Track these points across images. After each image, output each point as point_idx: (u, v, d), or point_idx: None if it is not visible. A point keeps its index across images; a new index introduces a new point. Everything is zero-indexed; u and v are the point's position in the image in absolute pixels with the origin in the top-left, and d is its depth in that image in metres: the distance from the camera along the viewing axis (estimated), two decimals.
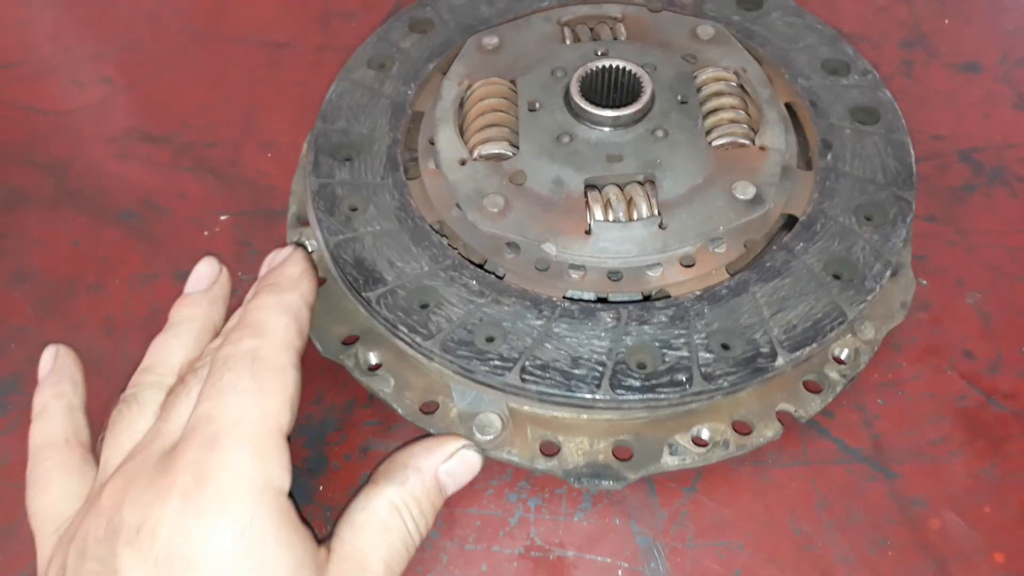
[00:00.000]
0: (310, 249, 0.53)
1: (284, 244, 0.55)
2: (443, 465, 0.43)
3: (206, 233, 0.59)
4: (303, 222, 0.54)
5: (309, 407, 0.51)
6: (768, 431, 0.47)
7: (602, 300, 0.48)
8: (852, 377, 0.49)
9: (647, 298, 0.48)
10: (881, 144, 0.52)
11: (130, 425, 0.40)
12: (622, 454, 0.47)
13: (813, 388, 0.49)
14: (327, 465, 0.49)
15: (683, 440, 0.47)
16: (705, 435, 0.47)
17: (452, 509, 0.48)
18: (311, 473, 0.49)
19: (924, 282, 0.56)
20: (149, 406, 0.41)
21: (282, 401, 0.39)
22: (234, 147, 0.63)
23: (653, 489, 0.48)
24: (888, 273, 0.47)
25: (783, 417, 0.48)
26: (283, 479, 0.38)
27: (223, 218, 0.59)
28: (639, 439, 0.47)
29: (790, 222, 0.50)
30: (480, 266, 0.49)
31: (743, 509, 0.48)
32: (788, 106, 0.55)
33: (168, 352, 0.44)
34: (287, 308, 0.42)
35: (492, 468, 0.49)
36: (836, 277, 0.47)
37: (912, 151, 0.52)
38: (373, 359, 0.49)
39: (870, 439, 0.50)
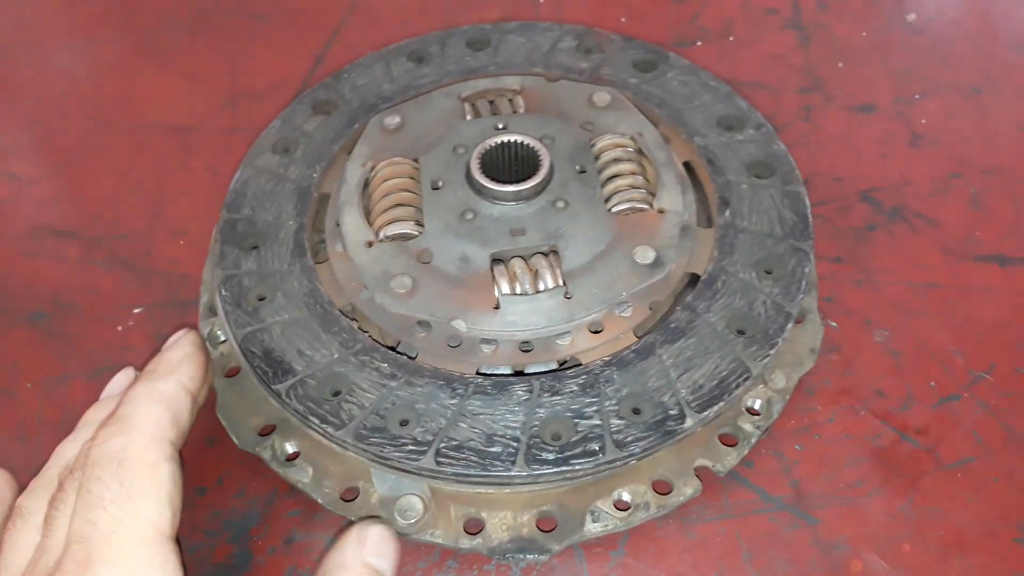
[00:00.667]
0: (222, 339, 0.53)
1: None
2: (365, 551, 0.42)
3: (119, 328, 0.58)
4: (215, 312, 0.54)
5: (231, 500, 0.51)
6: (688, 489, 0.48)
7: (519, 373, 0.48)
8: (766, 427, 0.50)
9: (561, 365, 0.48)
10: (777, 196, 0.54)
11: (17, 542, 0.39)
12: (546, 525, 0.47)
13: (729, 442, 0.49)
14: (251, 560, 0.49)
15: (605, 506, 0.47)
16: (626, 498, 0.47)
17: None
18: (236, 569, 0.48)
19: (834, 324, 0.57)
20: (33, 517, 0.40)
21: (155, 503, 0.37)
22: (145, 237, 0.63)
23: (582, 556, 0.49)
24: (790, 325, 0.48)
25: (702, 473, 0.49)
26: None
27: (136, 311, 0.59)
28: (562, 508, 0.47)
29: (694, 280, 0.51)
30: (394, 348, 0.49)
31: (671, 568, 0.48)
32: (687, 165, 0.56)
33: (62, 456, 0.43)
34: (160, 398, 0.41)
35: (420, 550, 0.48)
36: (740, 333, 0.48)
37: (807, 201, 0.54)
38: (290, 448, 0.49)
39: (790, 486, 0.51)
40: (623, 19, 0.77)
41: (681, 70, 0.60)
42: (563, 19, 0.76)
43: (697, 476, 0.48)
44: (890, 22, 0.76)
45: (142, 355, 0.56)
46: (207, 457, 0.52)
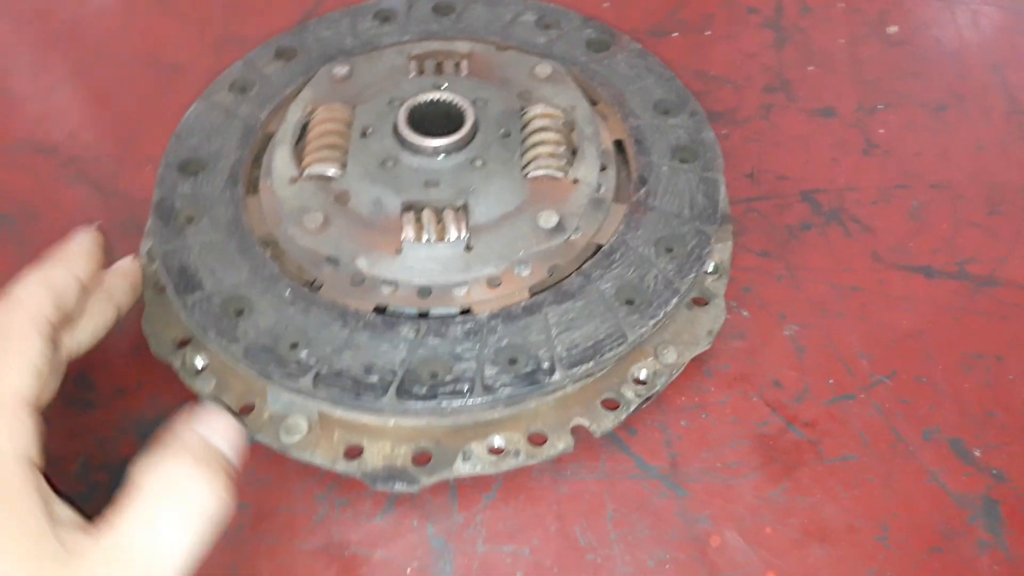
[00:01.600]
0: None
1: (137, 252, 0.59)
2: (193, 422, 0.43)
3: None
4: None
5: (144, 404, 0.55)
6: (560, 443, 0.50)
7: (423, 315, 0.51)
8: (648, 397, 0.52)
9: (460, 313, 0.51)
10: (694, 181, 0.55)
11: None
12: (421, 460, 0.50)
13: (611, 406, 0.51)
14: None
15: (478, 448, 0.49)
16: (499, 444, 0.50)
17: (262, 506, 0.51)
18: None
19: (746, 313, 0.59)
20: None
21: (20, 371, 0.40)
22: (116, 161, 0.67)
23: (455, 495, 0.51)
24: (675, 300, 0.50)
25: (579, 432, 0.51)
26: (15, 447, 0.39)
27: (94, 226, 0.63)
28: (439, 446, 0.50)
29: (599, 251, 0.53)
30: (306, 282, 0.52)
31: (536, 517, 0.51)
32: (618, 143, 0.58)
33: None
34: (45, 281, 0.44)
35: (305, 470, 0.51)
36: (628, 303, 0.50)
37: (723, 188, 0.55)
38: (199, 362, 0.52)
39: (668, 458, 0.53)
40: (606, 4, 0.79)
41: (631, 53, 0.62)
42: None
43: (573, 434, 0.50)
44: (870, 32, 0.77)
45: None
46: (131, 364, 0.56)
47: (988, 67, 0.74)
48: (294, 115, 0.56)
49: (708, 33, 0.77)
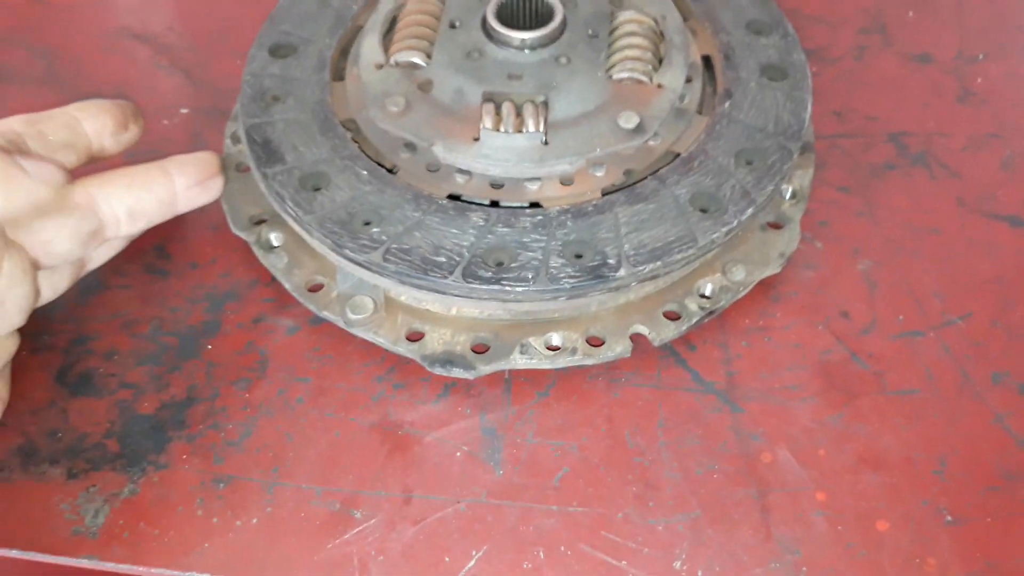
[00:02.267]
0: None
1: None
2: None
3: (165, 122, 0.64)
4: None
5: (217, 278, 0.56)
6: (618, 347, 0.50)
7: (494, 204, 0.51)
8: (711, 311, 0.51)
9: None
10: (781, 99, 0.54)
11: None
12: (480, 349, 0.50)
13: (672, 316, 0.51)
14: (220, 328, 0.54)
15: (536, 343, 0.50)
16: (556, 341, 0.50)
17: (322, 382, 0.52)
18: (206, 333, 0.54)
19: (820, 245, 0.58)
20: None
21: None
22: (209, 53, 0.69)
23: (509, 388, 0.52)
24: (750, 210, 0.49)
25: (638, 340, 0.51)
26: None
27: (183, 111, 0.65)
28: (497, 337, 0.50)
29: (676, 159, 0.52)
30: (383, 167, 0.53)
31: (587, 417, 0.51)
32: (706, 59, 0.57)
33: None
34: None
35: (367, 353, 0.53)
36: (703, 210, 0.50)
37: (810, 107, 0.54)
38: (274, 240, 0.54)
39: (726, 375, 0.52)
40: None
41: None
42: None
43: (631, 341, 0.50)
44: None
45: (179, 148, 0.61)
46: (207, 239, 0.58)
47: None
48: (385, 5, 0.57)
49: None
